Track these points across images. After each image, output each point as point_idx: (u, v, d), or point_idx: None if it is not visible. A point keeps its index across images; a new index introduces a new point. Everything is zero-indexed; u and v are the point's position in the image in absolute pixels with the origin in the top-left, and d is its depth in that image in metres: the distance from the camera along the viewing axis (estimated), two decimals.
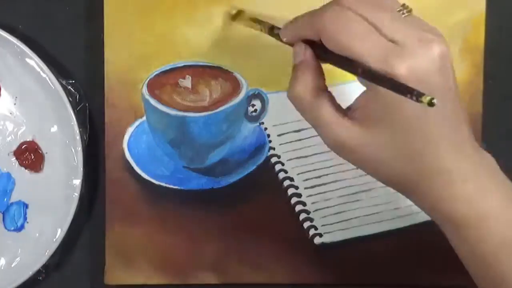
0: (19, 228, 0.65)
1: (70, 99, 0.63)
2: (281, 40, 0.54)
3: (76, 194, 0.63)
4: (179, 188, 0.64)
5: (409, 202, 0.51)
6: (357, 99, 0.50)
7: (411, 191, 0.50)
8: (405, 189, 0.50)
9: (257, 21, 0.59)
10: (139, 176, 0.64)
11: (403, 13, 0.49)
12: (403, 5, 0.50)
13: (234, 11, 0.62)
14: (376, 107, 0.48)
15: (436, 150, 0.47)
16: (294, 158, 0.64)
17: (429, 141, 0.47)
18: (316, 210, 0.64)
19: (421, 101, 0.42)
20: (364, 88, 0.50)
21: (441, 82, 0.47)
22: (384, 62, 0.46)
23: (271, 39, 0.61)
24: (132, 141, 0.64)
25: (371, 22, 0.47)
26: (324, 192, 0.64)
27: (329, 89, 0.51)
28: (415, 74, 0.46)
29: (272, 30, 0.56)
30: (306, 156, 0.64)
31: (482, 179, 0.48)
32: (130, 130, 0.64)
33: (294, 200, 0.64)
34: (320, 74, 0.50)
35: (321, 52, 0.50)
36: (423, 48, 0.46)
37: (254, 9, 0.62)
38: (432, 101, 0.41)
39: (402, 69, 0.45)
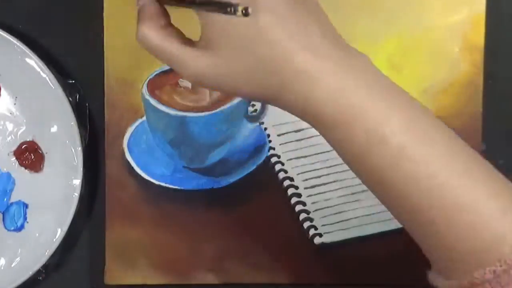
0: (19, 228, 0.65)
1: (70, 99, 0.63)
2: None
3: (76, 194, 0.63)
4: (179, 188, 0.64)
5: None
6: (201, 29, 0.49)
7: (278, 100, 0.49)
8: (271, 100, 0.49)
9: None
10: (139, 176, 0.64)
11: None
12: None
13: None
14: (214, 33, 0.47)
15: (285, 56, 0.46)
16: (294, 158, 0.65)
17: (274, 50, 0.46)
18: (316, 210, 0.64)
19: (238, 14, 0.43)
20: None
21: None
22: None
23: None
24: (132, 141, 0.64)
25: None
26: (324, 192, 0.64)
27: None
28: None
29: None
30: (306, 156, 0.64)
31: (345, 75, 0.47)
32: (130, 130, 0.64)
33: (294, 200, 0.64)
34: (163, 12, 0.50)
35: None
36: None
37: None
38: (246, 11, 0.42)
39: None
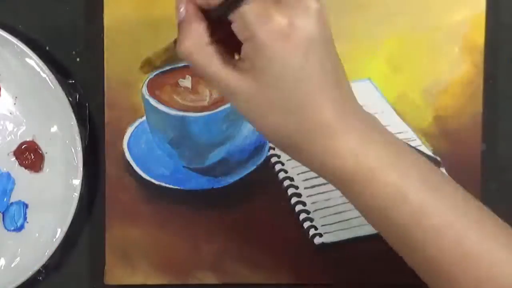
0: (19, 228, 0.65)
1: (70, 99, 0.63)
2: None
3: (76, 194, 0.63)
4: (179, 188, 0.64)
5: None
6: (243, 49, 0.49)
7: (297, 149, 0.50)
8: (291, 147, 0.50)
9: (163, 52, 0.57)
10: (139, 176, 0.64)
11: None
12: None
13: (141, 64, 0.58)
14: (259, 58, 0.48)
15: (315, 103, 0.48)
16: None
17: (309, 94, 0.48)
18: (316, 210, 0.64)
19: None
20: None
21: (319, 35, 0.47)
22: (264, 13, 0.47)
23: None
24: (132, 141, 0.64)
25: None
26: (324, 192, 0.64)
27: None
28: (294, 26, 0.46)
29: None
30: None
31: (365, 133, 0.49)
32: (130, 130, 0.64)
33: (294, 200, 0.64)
34: (206, 27, 0.50)
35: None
36: (300, 3, 0.47)
37: None
38: None
39: (283, 21, 0.46)
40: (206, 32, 0.50)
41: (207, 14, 0.50)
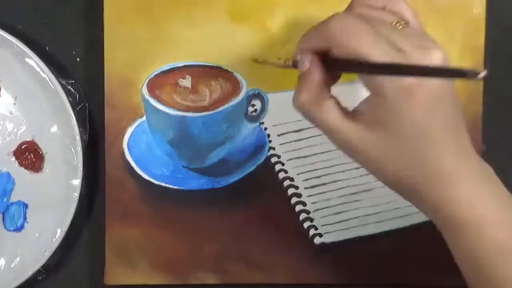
0: (19, 228, 0.65)
1: (70, 99, 0.63)
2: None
3: (76, 194, 0.63)
4: (179, 188, 0.64)
5: (409, 202, 0.52)
6: (362, 103, 0.51)
7: (414, 194, 0.51)
8: (407, 192, 0.51)
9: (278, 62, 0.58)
10: (139, 176, 0.64)
11: (400, 25, 0.51)
12: (399, 20, 0.51)
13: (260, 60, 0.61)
14: (382, 111, 0.49)
15: (439, 153, 0.49)
16: (294, 158, 0.65)
17: (432, 145, 0.49)
18: (316, 210, 0.64)
19: (475, 78, 0.42)
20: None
21: (443, 92, 0.48)
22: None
23: (271, 39, 0.61)
24: (132, 141, 0.64)
25: (376, 30, 0.49)
26: (324, 192, 0.64)
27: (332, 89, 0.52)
28: (421, 83, 0.47)
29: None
30: (306, 156, 0.64)
31: (482, 184, 0.50)
32: (130, 130, 0.64)
33: (294, 200, 0.64)
34: (325, 81, 0.51)
35: (329, 61, 0.51)
36: (425, 55, 0.48)
37: None
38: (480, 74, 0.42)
39: (411, 78, 0.47)
40: (324, 86, 0.51)
41: (326, 66, 0.51)
